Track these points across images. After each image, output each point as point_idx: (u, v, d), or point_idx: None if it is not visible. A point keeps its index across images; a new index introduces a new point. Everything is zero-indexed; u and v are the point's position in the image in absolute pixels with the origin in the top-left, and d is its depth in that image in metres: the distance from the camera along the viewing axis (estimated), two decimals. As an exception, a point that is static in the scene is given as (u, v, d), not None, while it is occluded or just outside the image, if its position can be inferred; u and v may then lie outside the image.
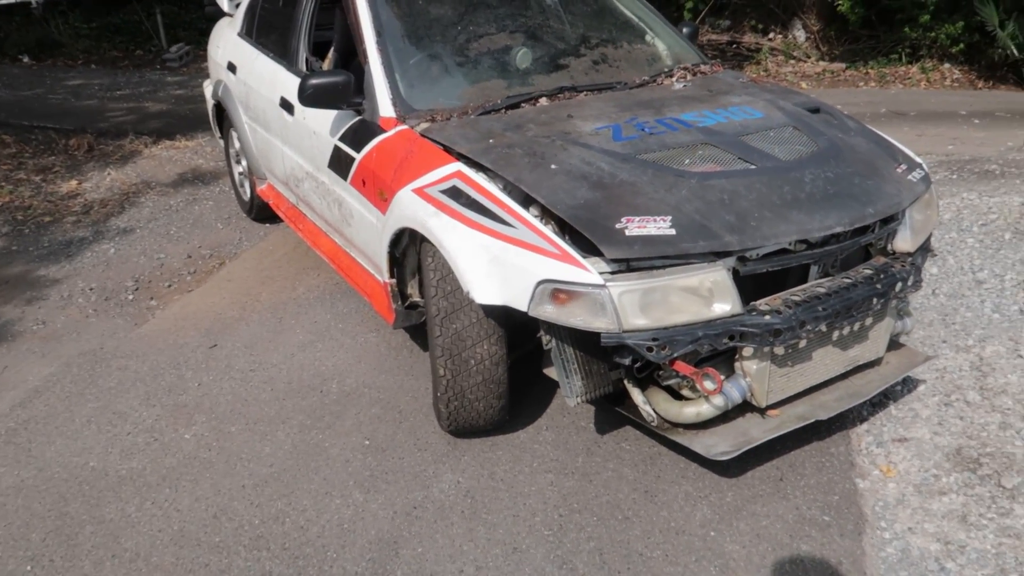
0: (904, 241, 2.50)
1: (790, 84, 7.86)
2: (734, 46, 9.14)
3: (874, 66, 8.16)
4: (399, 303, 2.85)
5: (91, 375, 3.19)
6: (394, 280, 2.82)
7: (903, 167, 2.62)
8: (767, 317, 2.16)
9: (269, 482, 2.52)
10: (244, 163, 4.42)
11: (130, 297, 3.87)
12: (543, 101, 2.88)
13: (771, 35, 9.29)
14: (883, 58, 8.27)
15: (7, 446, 2.77)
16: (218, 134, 4.83)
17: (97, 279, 4.06)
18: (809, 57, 8.72)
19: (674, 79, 3.17)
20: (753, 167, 2.41)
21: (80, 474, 2.61)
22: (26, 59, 10.13)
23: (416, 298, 2.86)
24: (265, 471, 2.57)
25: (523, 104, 2.84)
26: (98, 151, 6.24)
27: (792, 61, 8.69)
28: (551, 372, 2.50)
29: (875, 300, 2.34)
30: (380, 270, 2.89)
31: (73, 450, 2.73)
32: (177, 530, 2.34)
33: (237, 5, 4.53)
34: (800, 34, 9.13)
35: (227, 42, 4.41)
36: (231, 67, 4.22)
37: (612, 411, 2.55)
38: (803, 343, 2.30)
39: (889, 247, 2.52)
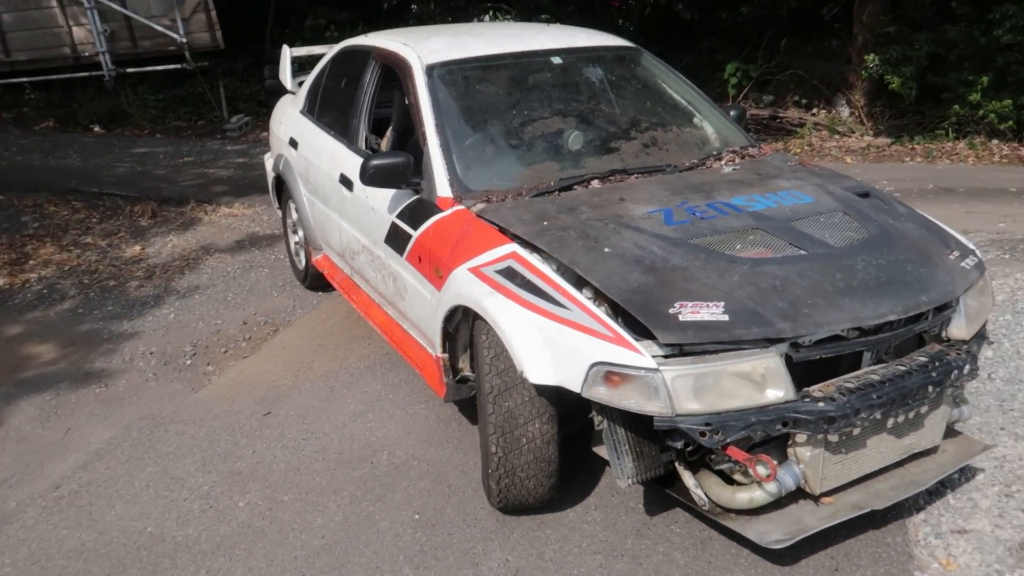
0: (959, 328, 2.49)
1: (835, 159, 7.90)
2: (777, 120, 9.24)
3: (920, 141, 8.17)
4: (450, 377, 2.91)
5: (150, 439, 3.29)
6: (446, 355, 2.88)
7: (956, 254, 2.62)
8: (821, 404, 2.16)
9: (321, 554, 2.55)
10: (301, 234, 4.59)
11: (188, 362, 3.99)
12: (595, 184, 2.96)
13: (814, 110, 9.38)
14: (929, 134, 8.28)
15: (70, 508, 2.85)
16: (276, 205, 5.03)
17: (157, 343, 4.21)
18: (853, 132, 8.77)
19: (723, 162, 3.24)
20: (804, 253, 2.44)
21: (138, 539, 2.67)
22: (97, 128, 10.69)
23: (467, 372, 2.92)
24: (317, 543, 2.61)
25: (576, 186, 2.93)
26: (161, 217, 6.52)
27: (836, 136, 8.74)
28: (601, 451, 2.52)
29: (930, 388, 2.33)
30: (433, 344, 2.96)
31: (132, 515, 2.80)
32: (230, 600, 2.38)
33: (300, 84, 4.78)
34: (844, 109, 9.21)
35: (289, 119, 4.63)
36: (292, 143, 4.43)
37: (662, 492, 2.55)
38: (857, 431, 2.28)
39: (944, 334, 2.52)
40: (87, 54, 10.93)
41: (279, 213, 5.04)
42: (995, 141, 7.92)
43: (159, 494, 2.91)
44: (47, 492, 2.96)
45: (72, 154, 9.19)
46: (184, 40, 10.62)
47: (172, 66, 10.82)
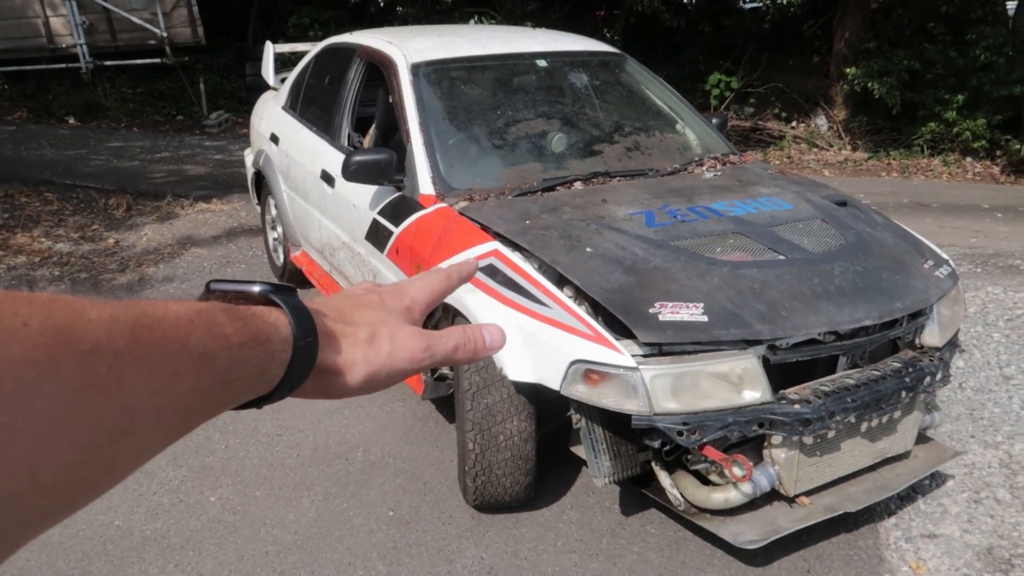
0: (932, 336, 2.53)
1: (813, 172, 8.01)
2: (757, 132, 9.34)
3: (896, 157, 8.31)
4: (428, 374, 2.89)
5: (120, 433, 3.22)
6: (425, 352, 2.86)
7: (930, 263, 2.67)
8: (796, 406, 2.18)
9: (293, 550, 2.52)
10: (279, 230, 4.55)
11: (161, 356, 3.93)
12: (578, 185, 2.97)
13: (794, 123, 9.50)
14: (905, 150, 8.42)
15: (35, 501, 2.79)
16: (255, 200, 4.99)
17: (130, 337, 4.14)
18: (832, 146, 8.90)
19: (704, 168, 3.27)
20: (783, 258, 2.46)
21: (105, 533, 2.63)
22: (72, 120, 10.54)
23: (445, 370, 2.91)
24: (289, 538, 2.58)
25: (558, 187, 2.94)
26: (136, 211, 6.43)
27: (815, 149, 8.86)
28: (578, 451, 2.52)
29: (903, 393, 2.36)
30: (412, 341, 2.94)
31: (99, 508, 2.75)
32: (199, 595, 2.34)
33: (283, 80, 4.75)
34: (823, 123, 9.33)
35: (271, 115, 4.60)
36: (274, 138, 4.39)
37: (637, 492, 2.55)
38: (832, 433, 2.31)
39: (917, 341, 2.55)
40: (64, 45, 10.77)
41: (258, 209, 4.99)
42: (968, 159, 8.08)
43: (127, 487, 2.86)
44: (12, 484, 2.89)
45: (46, 146, 9.05)
46: (165, 35, 10.52)
47: (152, 60, 10.70)
